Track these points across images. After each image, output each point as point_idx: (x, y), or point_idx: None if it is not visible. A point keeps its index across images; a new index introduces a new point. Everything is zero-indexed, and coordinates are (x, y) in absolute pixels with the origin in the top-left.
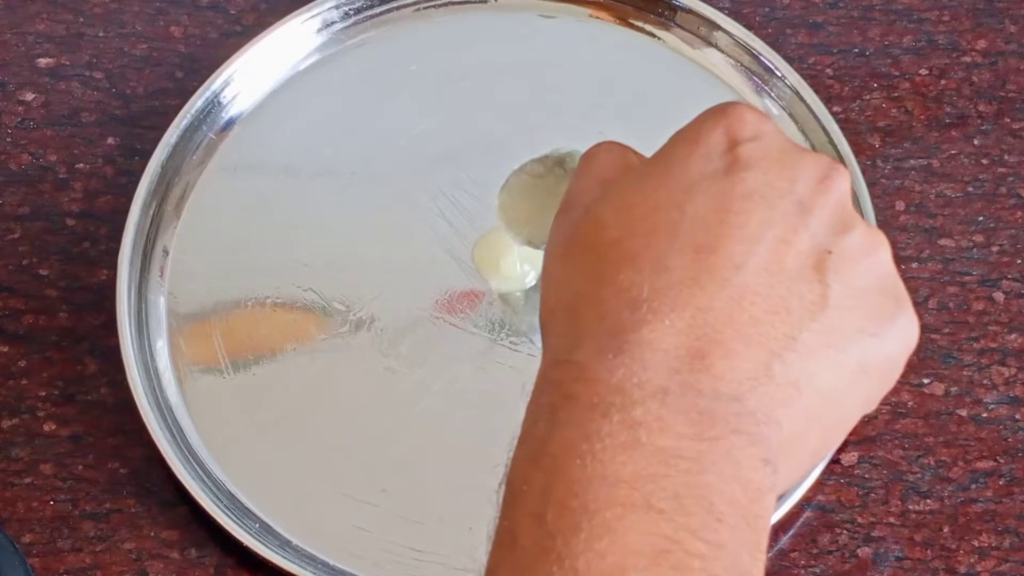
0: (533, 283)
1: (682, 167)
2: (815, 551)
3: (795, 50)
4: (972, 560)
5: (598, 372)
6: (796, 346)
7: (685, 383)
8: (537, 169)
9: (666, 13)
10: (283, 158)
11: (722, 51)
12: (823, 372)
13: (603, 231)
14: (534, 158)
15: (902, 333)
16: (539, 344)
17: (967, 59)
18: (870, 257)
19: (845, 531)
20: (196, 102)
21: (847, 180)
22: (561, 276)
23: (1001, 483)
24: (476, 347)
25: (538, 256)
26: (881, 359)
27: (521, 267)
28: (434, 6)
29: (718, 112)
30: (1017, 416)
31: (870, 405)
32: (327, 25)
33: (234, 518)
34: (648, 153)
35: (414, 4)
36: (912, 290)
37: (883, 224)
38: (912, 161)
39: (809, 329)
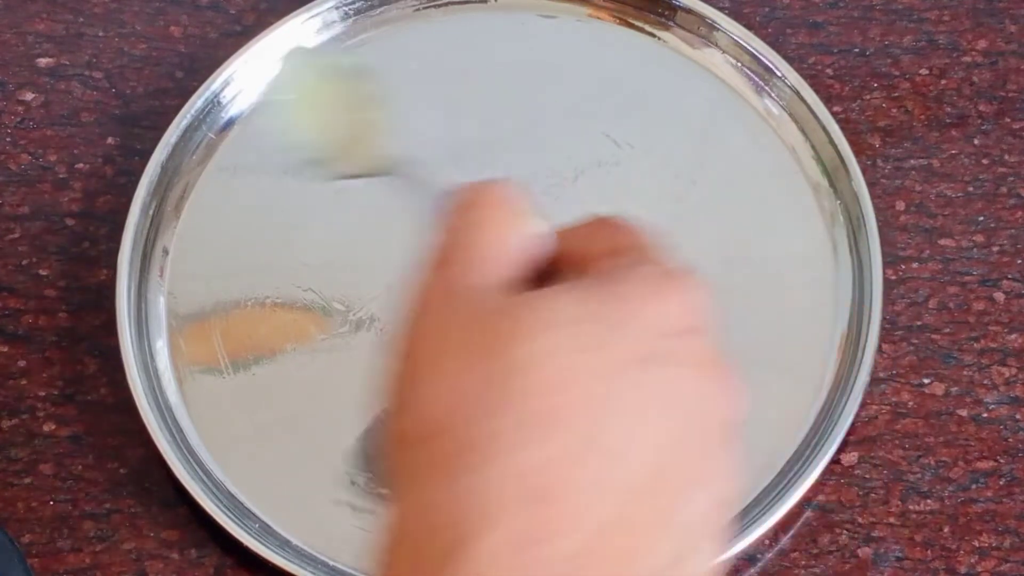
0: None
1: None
2: (815, 551)
3: (795, 50)
4: (972, 560)
5: None
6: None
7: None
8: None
9: (666, 13)
10: (283, 158)
11: (722, 51)
12: None
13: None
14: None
15: None
16: None
17: (967, 59)
18: None
19: (845, 531)
20: (196, 102)
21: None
22: None
23: (1001, 483)
24: None
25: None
26: None
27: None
28: (434, 6)
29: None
30: (1017, 416)
31: None
32: (327, 25)
33: (234, 518)
34: (652, 152)
35: (414, 4)
36: (912, 290)
37: (883, 224)
38: (912, 161)
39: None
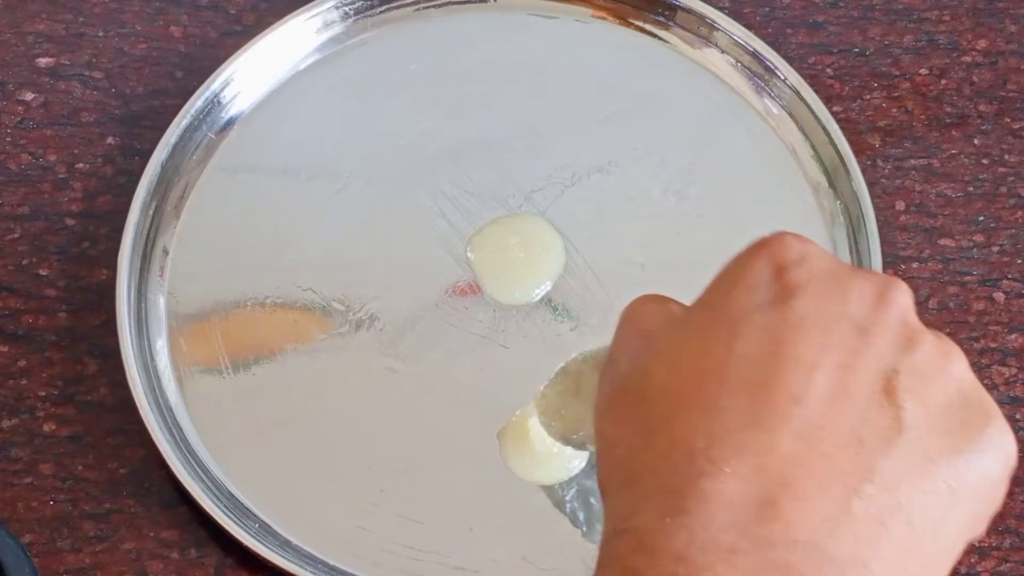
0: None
1: (726, 304)
2: None
3: (795, 50)
4: (972, 560)
5: (657, 539)
6: (875, 478)
7: (756, 537)
8: (572, 367)
9: (666, 13)
10: (283, 158)
11: (722, 51)
12: (910, 502)
13: (650, 379)
14: (562, 366)
15: (993, 446)
16: (539, 342)
17: (967, 59)
18: (944, 371)
19: None
20: (196, 102)
21: (908, 295)
22: (612, 434)
23: None
24: (476, 347)
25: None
26: (975, 478)
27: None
28: (434, 6)
29: (759, 244)
30: (1017, 416)
31: (975, 528)
32: (327, 25)
33: (234, 518)
34: (652, 152)
35: (414, 4)
36: (912, 290)
37: (883, 224)
38: (912, 161)
39: (887, 457)
